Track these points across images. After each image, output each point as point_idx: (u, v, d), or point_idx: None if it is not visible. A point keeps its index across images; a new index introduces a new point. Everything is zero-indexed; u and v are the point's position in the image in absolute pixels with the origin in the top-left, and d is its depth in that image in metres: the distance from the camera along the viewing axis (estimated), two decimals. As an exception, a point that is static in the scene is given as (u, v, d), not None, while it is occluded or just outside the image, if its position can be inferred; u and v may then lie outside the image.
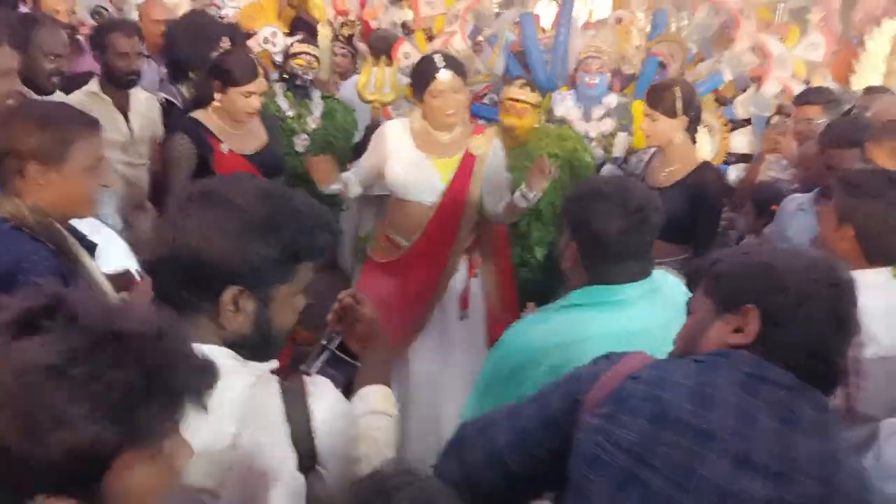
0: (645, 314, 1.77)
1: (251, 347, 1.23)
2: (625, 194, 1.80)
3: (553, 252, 3.33)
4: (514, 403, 1.34)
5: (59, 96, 3.06)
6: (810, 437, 1.16)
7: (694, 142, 3.22)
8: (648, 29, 4.74)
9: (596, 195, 1.82)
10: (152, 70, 4.08)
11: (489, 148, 3.03)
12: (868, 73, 4.53)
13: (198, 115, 3.14)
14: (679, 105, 3.01)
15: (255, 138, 3.23)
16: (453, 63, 2.95)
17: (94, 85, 3.37)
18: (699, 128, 3.36)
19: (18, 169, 1.76)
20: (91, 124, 1.87)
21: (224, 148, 3.09)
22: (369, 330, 1.52)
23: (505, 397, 1.70)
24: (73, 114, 1.90)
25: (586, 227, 1.80)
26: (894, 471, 1.50)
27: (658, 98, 3.05)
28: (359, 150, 4.51)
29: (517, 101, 3.48)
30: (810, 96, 3.85)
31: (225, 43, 3.88)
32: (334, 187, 3.01)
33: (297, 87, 4.02)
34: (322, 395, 1.23)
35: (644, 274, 1.84)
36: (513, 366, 1.79)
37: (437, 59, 2.94)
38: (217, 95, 3.10)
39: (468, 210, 3.02)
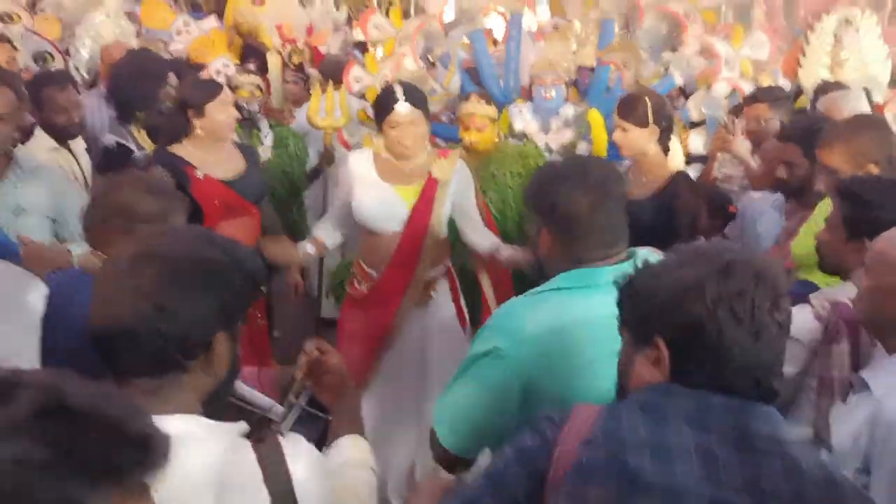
0: None
1: (223, 389, 1.24)
2: (583, 170, 1.80)
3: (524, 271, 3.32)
4: (469, 492, 1.25)
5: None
6: (770, 457, 1.13)
7: (667, 151, 3.25)
8: (589, 37, 4.76)
9: (556, 177, 1.81)
10: (111, 111, 4.03)
11: (452, 171, 3.02)
12: (813, 67, 4.63)
13: (173, 148, 3.16)
14: (650, 115, 3.04)
15: (232, 165, 3.24)
16: (413, 95, 2.94)
17: (47, 138, 3.33)
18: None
19: (125, 230, 1.89)
20: (182, 199, 2.13)
21: (199, 174, 3.09)
22: (338, 380, 1.50)
23: (486, 380, 1.68)
24: (171, 187, 2.19)
25: (555, 211, 1.77)
26: (842, 455, 1.52)
27: (629, 109, 3.09)
28: (313, 176, 4.50)
29: (475, 115, 3.51)
30: (758, 95, 3.92)
31: (171, 79, 3.82)
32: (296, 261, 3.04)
33: (244, 120, 3.99)
34: (299, 454, 1.20)
35: (623, 251, 1.80)
36: (500, 350, 1.69)
37: (398, 90, 2.93)
38: (196, 122, 3.11)
39: (431, 234, 3.01)
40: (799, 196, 2.79)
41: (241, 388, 1.54)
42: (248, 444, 1.18)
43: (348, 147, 4.64)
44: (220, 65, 4.57)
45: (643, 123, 3.06)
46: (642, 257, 1.78)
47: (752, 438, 1.14)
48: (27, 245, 2.39)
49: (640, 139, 3.08)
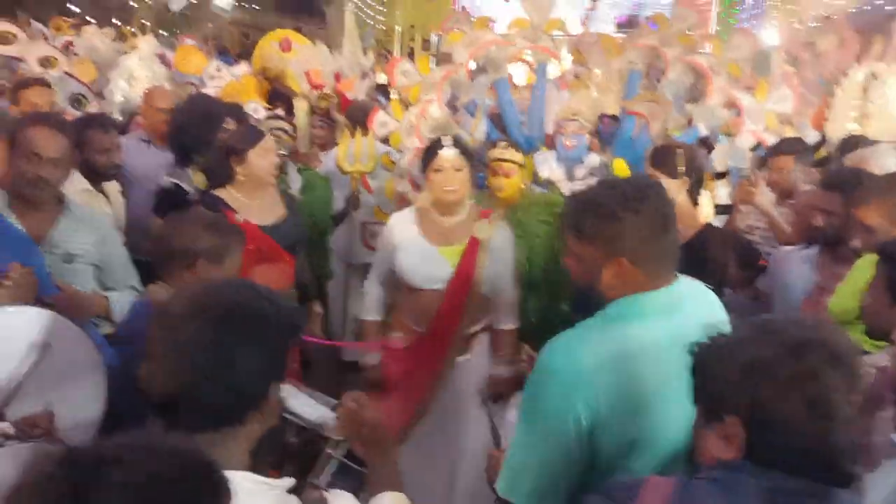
0: (689, 316, 1.65)
1: (270, 436, 1.25)
2: (641, 190, 1.72)
3: (549, 314, 3.32)
4: None
5: None
6: None
7: (696, 203, 3.26)
8: (611, 85, 4.80)
9: (627, 201, 1.67)
10: (153, 154, 4.10)
11: (494, 232, 3.08)
12: (840, 120, 4.65)
13: (218, 192, 3.26)
14: (681, 167, 3.06)
15: (272, 212, 3.31)
16: (461, 145, 3.07)
17: (82, 180, 3.38)
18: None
19: (189, 264, 2.16)
20: (241, 236, 2.30)
21: (239, 217, 3.14)
22: (375, 433, 1.49)
23: (550, 430, 1.57)
24: (231, 225, 2.35)
25: (630, 237, 1.65)
26: None
27: (662, 159, 3.12)
28: (339, 219, 4.54)
29: (503, 160, 3.55)
30: (782, 147, 3.94)
31: (229, 123, 3.89)
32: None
33: None
34: None
35: (676, 274, 1.75)
36: (558, 391, 1.59)
37: (446, 138, 3.08)
38: (239, 169, 3.19)
39: (474, 293, 3.06)
40: (834, 247, 2.77)
41: (292, 400, 1.54)
42: (296, 500, 1.18)
43: (370, 190, 4.70)
44: (251, 109, 4.65)
45: (675, 174, 3.08)
46: (685, 284, 1.76)
47: None
48: (66, 292, 2.42)
49: (670, 190, 3.07)
